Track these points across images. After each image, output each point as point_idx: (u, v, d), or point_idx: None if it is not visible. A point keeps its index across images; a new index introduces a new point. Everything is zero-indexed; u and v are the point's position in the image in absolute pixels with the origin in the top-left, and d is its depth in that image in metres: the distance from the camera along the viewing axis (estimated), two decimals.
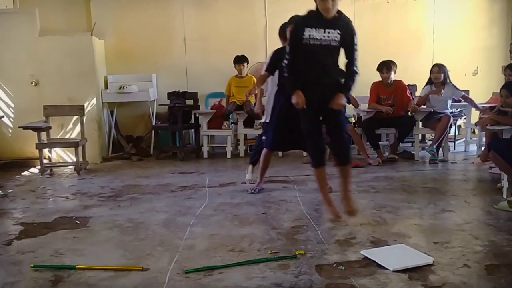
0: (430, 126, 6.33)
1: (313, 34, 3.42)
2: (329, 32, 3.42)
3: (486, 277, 2.73)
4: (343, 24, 3.47)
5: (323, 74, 3.51)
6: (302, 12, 3.65)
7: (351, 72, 3.54)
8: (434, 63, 7.32)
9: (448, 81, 6.32)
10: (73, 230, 3.75)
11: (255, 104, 6.83)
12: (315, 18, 3.45)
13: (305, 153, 6.78)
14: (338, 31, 3.43)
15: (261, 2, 7.60)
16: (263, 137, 5.00)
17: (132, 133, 7.60)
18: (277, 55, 4.40)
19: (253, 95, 6.86)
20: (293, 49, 3.53)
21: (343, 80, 3.60)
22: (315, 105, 3.53)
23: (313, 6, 3.52)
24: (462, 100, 6.57)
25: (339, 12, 3.47)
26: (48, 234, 3.67)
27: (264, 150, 4.70)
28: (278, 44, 4.68)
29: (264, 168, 4.77)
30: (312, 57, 3.48)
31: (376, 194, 4.63)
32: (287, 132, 4.42)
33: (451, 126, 6.37)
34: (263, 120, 5.14)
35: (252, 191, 4.74)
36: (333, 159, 3.81)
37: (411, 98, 6.43)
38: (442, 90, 6.23)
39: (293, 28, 3.53)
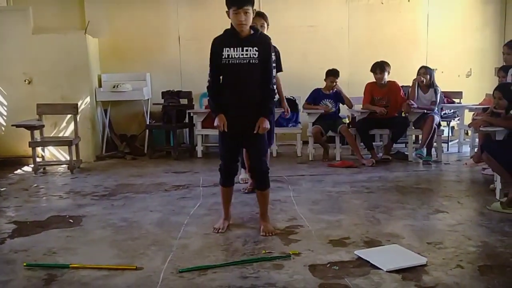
0: (420, 127, 6.35)
1: (232, 53, 3.38)
2: (247, 50, 3.38)
3: (479, 277, 2.74)
4: (260, 41, 3.43)
5: (246, 93, 3.46)
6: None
7: (268, 92, 3.49)
8: (428, 64, 7.37)
9: (434, 84, 6.36)
10: (67, 229, 3.74)
11: None
12: (232, 37, 3.42)
13: (299, 153, 6.81)
14: (256, 48, 3.38)
15: (255, 2, 7.59)
16: None
17: (126, 132, 7.58)
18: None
19: None
20: (213, 70, 3.50)
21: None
22: (235, 128, 3.48)
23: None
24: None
25: (255, 29, 3.46)
26: (41, 233, 3.66)
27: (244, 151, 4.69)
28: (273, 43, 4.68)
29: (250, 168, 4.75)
30: (233, 77, 3.45)
31: (369, 195, 4.64)
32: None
33: (439, 126, 6.39)
34: None
35: (246, 191, 4.74)
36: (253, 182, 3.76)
37: (405, 99, 6.45)
38: (422, 78, 6.28)
39: (212, 49, 3.47)
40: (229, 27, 3.45)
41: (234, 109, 3.45)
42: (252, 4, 3.39)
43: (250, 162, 3.66)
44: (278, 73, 4.86)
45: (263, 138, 3.53)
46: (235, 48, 3.38)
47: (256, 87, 3.45)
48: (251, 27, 3.43)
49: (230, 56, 3.38)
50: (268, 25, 4.61)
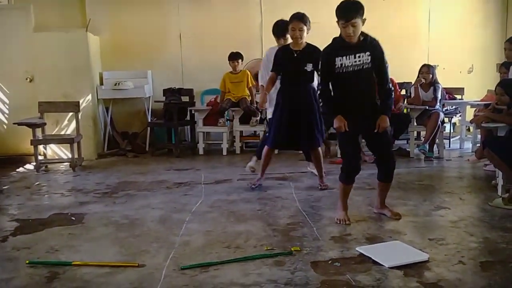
0: (423, 124, 6.34)
1: (344, 62, 3.43)
2: (359, 56, 3.42)
3: (480, 273, 2.74)
4: (372, 45, 3.47)
5: (360, 97, 3.53)
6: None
7: (386, 91, 3.55)
8: (429, 60, 7.36)
9: (436, 82, 6.35)
10: (69, 227, 3.75)
11: (251, 101, 6.85)
12: (342, 46, 3.46)
13: (300, 152, 6.80)
14: (368, 53, 3.43)
15: None
16: (268, 134, 5.04)
17: (127, 130, 7.58)
18: (276, 55, 4.51)
19: (249, 91, 6.90)
20: (325, 79, 3.55)
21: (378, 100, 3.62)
22: (356, 128, 3.54)
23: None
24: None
25: (364, 34, 3.48)
26: (44, 231, 3.66)
27: (265, 147, 4.72)
28: (273, 40, 4.69)
29: (264, 165, 4.81)
30: (348, 84, 3.50)
31: (371, 191, 4.63)
32: (287, 131, 4.47)
33: (443, 123, 6.38)
34: (268, 116, 5.13)
35: (253, 186, 4.78)
36: (377, 173, 3.80)
37: (401, 96, 6.46)
38: (423, 80, 6.26)
39: (323, 59, 3.53)
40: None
41: (351, 111, 3.50)
42: (361, 15, 3.39)
43: (377, 156, 3.72)
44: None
45: (387, 133, 3.62)
46: (347, 56, 3.42)
47: (369, 88, 3.53)
48: (361, 33, 3.45)
49: (344, 65, 3.43)
50: (309, 28, 4.44)
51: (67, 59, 6.61)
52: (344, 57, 3.43)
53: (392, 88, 3.62)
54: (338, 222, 3.65)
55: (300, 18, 4.37)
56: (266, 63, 4.93)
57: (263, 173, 4.86)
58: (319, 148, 4.71)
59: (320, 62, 3.60)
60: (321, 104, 3.68)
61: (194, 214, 3.99)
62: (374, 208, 3.92)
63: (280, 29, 4.80)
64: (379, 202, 3.85)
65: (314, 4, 7.66)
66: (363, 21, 3.42)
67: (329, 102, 3.57)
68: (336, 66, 3.45)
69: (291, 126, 4.46)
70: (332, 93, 3.58)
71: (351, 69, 3.43)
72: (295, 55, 4.42)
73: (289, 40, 4.60)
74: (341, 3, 3.42)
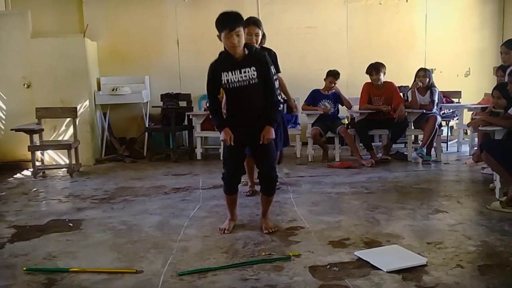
0: (421, 127, 6.35)
1: (230, 77, 3.39)
2: (245, 72, 3.38)
3: (479, 277, 2.74)
4: (257, 59, 3.43)
5: (249, 111, 3.48)
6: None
7: (272, 104, 3.50)
8: (426, 64, 7.38)
9: (433, 85, 6.36)
10: (66, 233, 3.74)
11: None
12: (227, 61, 3.42)
13: (298, 155, 6.81)
14: (253, 68, 3.38)
15: (253, 4, 7.62)
16: None
17: (125, 135, 7.58)
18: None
19: None
20: (211, 93, 3.52)
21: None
22: (241, 140, 3.49)
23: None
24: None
25: (249, 46, 3.45)
26: (41, 237, 3.65)
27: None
28: (270, 45, 4.67)
29: (249, 171, 4.78)
30: (235, 99, 3.47)
31: (369, 195, 4.64)
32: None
33: (440, 126, 6.39)
34: None
35: (247, 194, 4.77)
36: (260, 187, 3.76)
37: (402, 99, 6.47)
38: (420, 83, 6.27)
39: (210, 75, 3.48)
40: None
41: (239, 124, 3.48)
42: (243, 25, 3.38)
43: (259, 169, 3.65)
44: (279, 74, 4.83)
45: (271, 145, 3.55)
46: (233, 72, 3.39)
47: (260, 101, 3.48)
48: (245, 45, 3.41)
49: (230, 81, 3.40)
50: (263, 32, 4.42)
51: (64, 64, 6.62)
52: (230, 73, 3.39)
53: (281, 100, 3.56)
54: (220, 231, 3.62)
55: (255, 23, 4.34)
56: None
57: (251, 180, 4.84)
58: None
59: (207, 78, 3.52)
60: (211, 117, 3.64)
61: (192, 220, 3.98)
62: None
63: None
64: (261, 213, 3.78)
65: (310, 8, 7.71)
66: (261, 34, 3.40)
67: (216, 115, 3.55)
68: (223, 82, 3.41)
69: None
70: (219, 106, 3.58)
71: (237, 84, 3.39)
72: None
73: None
74: (221, 14, 3.39)
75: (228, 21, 3.33)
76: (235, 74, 3.39)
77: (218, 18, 3.39)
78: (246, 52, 3.42)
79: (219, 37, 3.39)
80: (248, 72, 3.38)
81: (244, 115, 3.49)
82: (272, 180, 3.60)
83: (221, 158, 3.83)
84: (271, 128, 3.47)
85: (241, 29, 3.33)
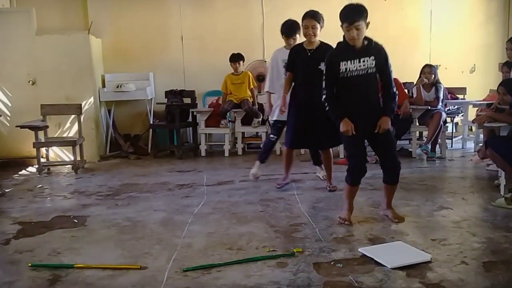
0: (425, 124, 6.33)
1: (349, 66, 3.43)
2: (364, 61, 3.43)
3: (483, 274, 2.73)
4: (376, 50, 3.47)
5: (365, 101, 3.52)
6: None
7: (390, 94, 3.54)
8: (431, 60, 7.35)
9: (438, 82, 6.34)
10: (71, 229, 3.75)
11: (252, 102, 6.85)
12: (346, 50, 3.46)
13: (303, 151, 6.80)
14: (373, 57, 3.44)
15: (258, 0, 7.61)
16: (271, 136, 5.03)
17: (129, 132, 7.59)
18: (290, 54, 4.49)
19: (250, 92, 6.90)
20: (330, 83, 3.53)
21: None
22: (361, 131, 3.53)
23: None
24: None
25: (368, 38, 3.48)
26: (46, 233, 3.67)
27: (285, 148, 4.75)
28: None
29: (287, 165, 4.86)
30: (353, 88, 3.50)
31: (373, 192, 4.63)
32: (304, 131, 4.45)
33: (445, 123, 6.37)
34: (271, 118, 5.10)
35: (277, 186, 4.82)
36: (383, 176, 3.77)
37: (407, 96, 6.44)
38: (425, 80, 6.25)
39: (328, 63, 3.52)
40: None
41: (356, 114, 3.49)
42: (365, 18, 3.40)
43: (382, 158, 3.70)
44: None
45: (390, 134, 3.62)
46: (352, 61, 3.43)
47: (374, 93, 3.53)
48: (365, 37, 3.45)
49: (348, 69, 3.43)
50: (322, 26, 4.42)
51: (69, 61, 6.64)
52: (349, 62, 3.43)
53: (396, 92, 3.61)
54: (340, 219, 3.66)
55: (313, 16, 4.35)
56: (275, 64, 4.90)
57: (287, 173, 4.90)
58: (331, 149, 4.69)
59: (324, 66, 3.59)
60: (327, 108, 3.62)
61: (196, 216, 3.99)
62: (381, 210, 3.90)
63: (289, 28, 4.77)
64: (385, 203, 3.83)
65: (314, 4, 7.68)
66: (367, 24, 3.41)
67: (335, 105, 3.55)
68: (341, 71, 3.45)
69: (307, 125, 4.42)
70: (337, 97, 3.56)
71: (355, 73, 3.44)
72: (309, 54, 4.39)
73: (298, 40, 4.59)
74: (345, 6, 3.43)
75: (349, 14, 3.38)
76: (353, 63, 3.43)
77: (342, 10, 3.43)
78: (365, 42, 3.45)
79: (342, 27, 3.42)
80: (367, 61, 3.43)
81: (359, 105, 3.51)
82: (398, 168, 3.65)
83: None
84: (388, 118, 3.51)
85: (361, 23, 3.36)
